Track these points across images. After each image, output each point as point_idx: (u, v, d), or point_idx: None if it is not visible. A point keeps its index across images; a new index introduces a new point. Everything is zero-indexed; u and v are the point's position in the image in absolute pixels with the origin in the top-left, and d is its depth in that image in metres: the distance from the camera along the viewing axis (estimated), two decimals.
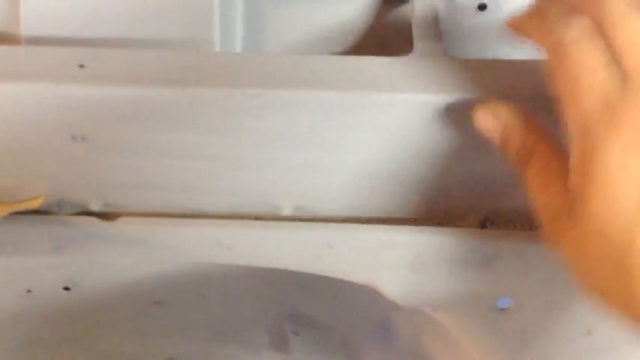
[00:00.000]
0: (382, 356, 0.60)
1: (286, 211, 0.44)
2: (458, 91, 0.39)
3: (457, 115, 0.39)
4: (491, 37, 0.55)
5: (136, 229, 0.44)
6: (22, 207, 0.43)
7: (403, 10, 0.55)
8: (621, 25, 0.32)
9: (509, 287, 0.45)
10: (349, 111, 0.40)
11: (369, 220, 0.44)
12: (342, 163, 0.42)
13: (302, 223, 0.44)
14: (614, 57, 0.32)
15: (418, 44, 0.46)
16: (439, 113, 0.39)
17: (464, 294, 0.45)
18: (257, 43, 0.56)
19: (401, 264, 0.43)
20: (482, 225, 0.44)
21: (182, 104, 0.40)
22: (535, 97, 0.38)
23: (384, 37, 0.56)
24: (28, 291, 0.60)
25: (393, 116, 0.40)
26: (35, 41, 0.52)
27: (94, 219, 0.44)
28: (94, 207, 0.44)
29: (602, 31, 0.33)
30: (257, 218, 0.44)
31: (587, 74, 0.32)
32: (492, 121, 0.37)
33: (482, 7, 0.55)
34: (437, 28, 0.48)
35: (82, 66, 0.40)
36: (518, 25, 0.37)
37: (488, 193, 0.43)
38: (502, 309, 0.46)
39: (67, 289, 0.60)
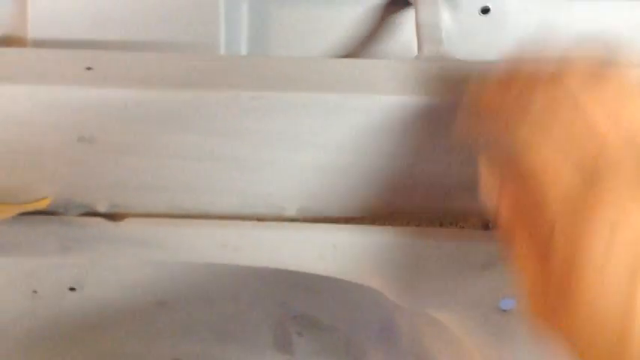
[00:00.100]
0: (385, 357, 0.60)
1: (290, 212, 0.44)
2: (461, 93, 0.39)
3: (461, 117, 0.40)
4: (495, 40, 0.55)
5: (142, 230, 0.44)
6: (30, 208, 0.44)
7: (407, 13, 0.55)
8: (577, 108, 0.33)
9: (512, 288, 0.45)
10: (353, 113, 0.40)
11: (372, 221, 0.44)
12: (345, 164, 0.42)
13: (306, 224, 0.44)
14: (581, 143, 0.32)
15: (422, 47, 0.47)
16: (442, 115, 0.40)
17: (466, 295, 0.46)
18: (261, 45, 0.56)
19: (404, 265, 0.43)
20: (485, 226, 0.44)
21: (188, 106, 0.40)
22: None
23: (387, 40, 0.56)
24: (34, 292, 0.60)
25: (397, 118, 0.40)
26: (42, 44, 0.52)
27: (100, 220, 0.45)
28: (101, 208, 0.44)
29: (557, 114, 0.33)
30: (261, 219, 0.44)
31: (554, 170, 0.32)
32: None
33: (485, 11, 0.55)
34: (440, 31, 0.48)
35: (89, 68, 0.41)
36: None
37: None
38: (505, 310, 0.46)
39: (72, 289, 0.60)
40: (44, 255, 0.46)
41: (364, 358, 0.62)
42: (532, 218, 0.33)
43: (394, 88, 0.40)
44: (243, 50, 0.56)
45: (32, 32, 0.52)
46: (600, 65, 0.34)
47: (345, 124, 0.40)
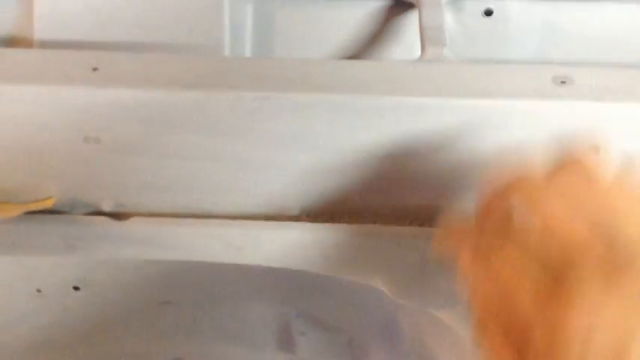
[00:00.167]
0: (387, 357, 0.60)
1: (294, 212, 0.44)
2: (465, 94, 0.40)
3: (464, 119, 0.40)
4: (498, 42, 0.56)
5: (146, 229, 0.45)
6: (35, 207, 0.44)
7: (410, 15, 0.55)
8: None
9: None
10: (357, 114, 0.40)
11: (375, 221, 0.44)
12: (349, 164, 0.42)
13: (309, 224, 0.44)
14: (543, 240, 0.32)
15: (425, 49, 0.47)
16: (447, 116, 0.40)
17: None
18: (266, 47, 0.56)
19: (407, 264, 0.44)
20: None
21: (193, 107, 0.40)
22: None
23: (391, 41, 0.56)
24: (38, 290, 0.60)
25: (402, 119, 0.40)
26: (48, 45, 0.52)
27: (105, 219, 0.45)
28: (106, 207, 0.45)
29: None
30: (266, 219, 0.44)
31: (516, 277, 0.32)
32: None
33: (488, 13, 0.55)
34: (443, 33, 0.48)
35: (95, 69, 0.41)
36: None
37: None
38: None
39: (76, 288, 0.60)
40: (49, 254, 0.46)
41: (366, 358, 0.62)
42: (506, 318, 0.32)
43: (397, 89, 0.40)
44: (248, 52, 0.56)
45: (38, 33, 0.52)
46: (557, 160, 0.34)
47: (348, 125, 0.41)
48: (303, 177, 0.43)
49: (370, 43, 0.56)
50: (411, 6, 0.55)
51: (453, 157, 0.41)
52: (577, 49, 0.55)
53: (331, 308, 0.60)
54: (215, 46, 0.52)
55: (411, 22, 0.55)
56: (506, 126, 0.40)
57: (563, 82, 0.40)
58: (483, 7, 0.55)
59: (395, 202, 0.44)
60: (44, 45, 0.52)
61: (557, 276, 0.31)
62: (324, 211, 0.44)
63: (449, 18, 0.54)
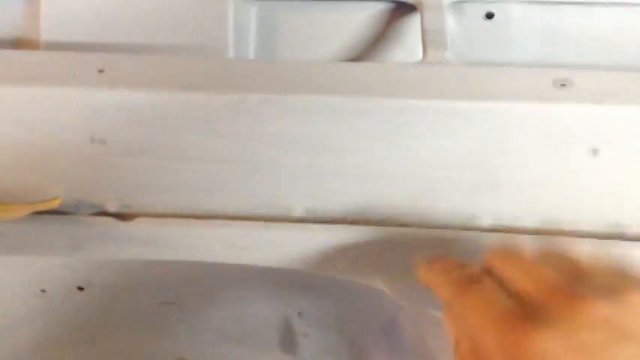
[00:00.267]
0: (389, 357, 0.60)
1: (297, 213, 0.44)
2: (466, 97, 0.40)
3: (464, 120, 0.40)
4: (499, 45, 0.56)
5: (151, 230, 0.45)
6: (41, 207, 0.44)
7: (412, 18, 0.56)
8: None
9: None
10: (360, 116, 0.40)
11: (377, 222, 0.44)
12: (351, 166, 0.42)
13: (313, 225, 0.44)
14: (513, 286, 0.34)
15: (427, 51, 0.47)
16: (448, 119, 0.40)
17: None
18: (269, 49, 0.57)
19: (407, 264, 0.44)
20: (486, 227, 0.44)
21: (197, 109, 0.41)
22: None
23: (393, 44, 0.56)
24: (43, 290, 0.60)
25: (403, 122, 0.41)
26: (54, 46, 0.53)
27: (110, 219, 0.45)
28: (111, 208, 0.45)
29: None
30: (269, 219, 0.45)
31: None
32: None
33: (489, 16, 0.55)
34: (445, 36, 0.48)
35: (101, 71, 0.41)
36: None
37: (494, 196, 0.43)
38: None
39: (81, 288, 0.60)
40: (55, 254, 0.47)
41: (368, 359, 0.62)
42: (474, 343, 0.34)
43: (399, 91, 0.40)
44: (251, 54, 0.56)
45: (44, 35, 0.53)
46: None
47: (351, 127, 0.41)
48: (306, 178, 0.43)
49: (372, 45, 0.57)
50: (413, 9, 0.55)
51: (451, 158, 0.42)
52: (577, 52, 0.55)
53: (333, 309, 0.60)
54: (219, 48, 0.53)
55: (413, 25, 0.56)
56: (506, 128, 0.40)
57: (563, 85, 0.40)
58: (485, 11, 0.55)
59: (396, 203, 0.44)
60: (50, 47, 0.53)
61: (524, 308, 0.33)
62: (326, 212, 0.44)
63: (450, 21, 0.54)
